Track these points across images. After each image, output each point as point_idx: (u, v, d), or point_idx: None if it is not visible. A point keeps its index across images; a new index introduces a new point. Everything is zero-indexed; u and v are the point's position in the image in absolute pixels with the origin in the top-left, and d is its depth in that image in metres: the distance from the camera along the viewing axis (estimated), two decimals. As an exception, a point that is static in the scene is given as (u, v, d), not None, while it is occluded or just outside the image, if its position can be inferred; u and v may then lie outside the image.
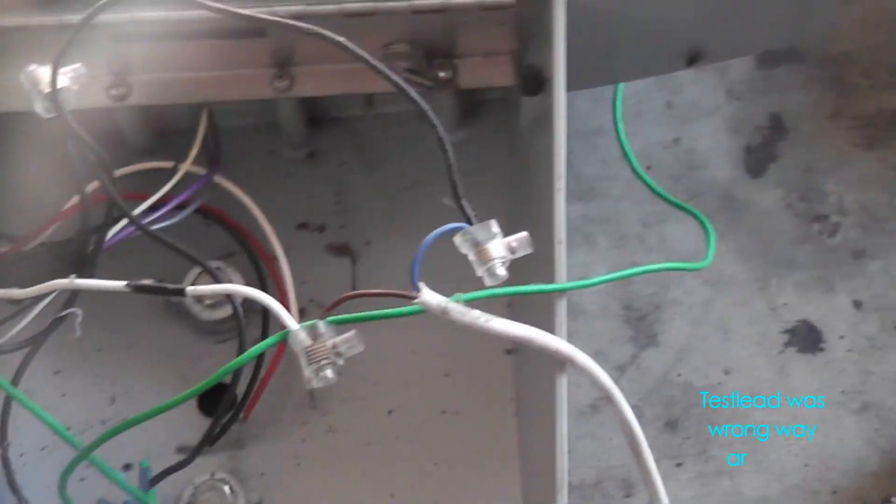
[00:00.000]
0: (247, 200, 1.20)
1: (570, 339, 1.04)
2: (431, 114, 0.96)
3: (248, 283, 1.19)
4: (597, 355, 1.36)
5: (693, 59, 1.22)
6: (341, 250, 1.30)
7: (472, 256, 0.96)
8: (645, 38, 1.17)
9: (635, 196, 1.41)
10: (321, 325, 0.95)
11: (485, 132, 1.31)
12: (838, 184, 1.44)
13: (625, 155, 1.30)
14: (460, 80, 1.15)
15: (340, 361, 0.95)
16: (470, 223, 0.97)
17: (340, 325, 0.97)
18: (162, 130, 1.25)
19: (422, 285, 0.95)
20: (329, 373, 0.95)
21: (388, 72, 0.96)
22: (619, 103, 1.31)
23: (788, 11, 1.16)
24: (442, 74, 1.15)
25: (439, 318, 0.96)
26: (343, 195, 1.31)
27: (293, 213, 1.30)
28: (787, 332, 1.40)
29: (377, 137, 1.32)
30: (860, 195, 1.44)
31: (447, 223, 0.96)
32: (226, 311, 1.22)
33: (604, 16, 1.10)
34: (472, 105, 1.31)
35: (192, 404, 1.24)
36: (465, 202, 0.97)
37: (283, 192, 1.30)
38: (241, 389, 1.19)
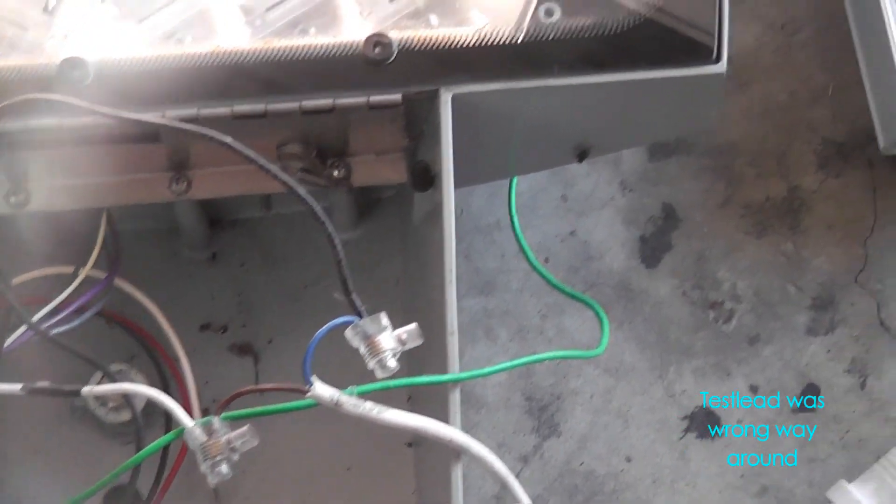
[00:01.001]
0: (148, 303, 1.21)
1: (473, 431, 1.05)
2: (318, 211, 0.98)
3: (151, 385, 1.20)
4: (500, 447, 1.39)
5: (583, 154, 1.24)
6: (244, 349, 1.31)
7: (363, 349, 0.98)
8: (534, 135, 1.19)
9: (534, 288, 1.43)
10: (216, 422, 0.96)
11: (381, 228, 1.33)
12: (731, 271, 1.47)
13: (521, 248, 1.32)
14: (354, 178, 1.17)
15: (235, 457, 0.97)
16: (361, 317, 0.98)
17: (237, 421, 0.98)
18: (62, 235, 1.26)
19: (314, 379, 0.96)
20: (224, 468, 0.96)
21: (275, 171, 0.98)
22: (513, 197, 1.33)
23: (673, 107, 1.18)
24: (335, 173, 1.17)
25: (334, 410, 0.97)
26: (245, 295, 1.32)
27: (196, 315, 1.31)
28: (685, 417, 1.42)
29: (277, 237, 1.34)
30: (752, 281, 1.46)
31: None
32: (129, 414, 1.22)
33: (491, 114, 1.12)
34: (368, 202, 1.33)
35: (99, 508, 1.24)
36: (355, 296, 0.99)
37: (186, 293, 1.31)
38: (146, 490, 1.19)
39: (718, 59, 1.10)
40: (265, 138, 1.12)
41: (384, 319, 0.98)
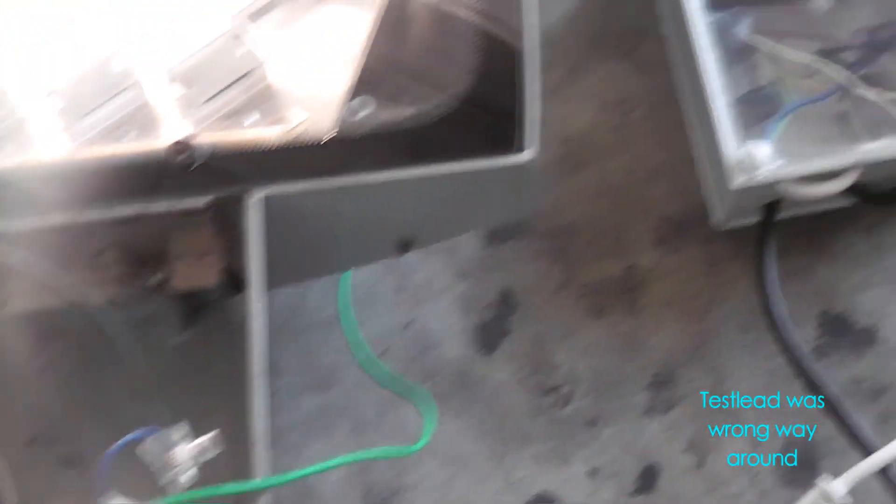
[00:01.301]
0: (-32, 422, 1.20)
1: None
2: (114, 324, 0.98)
3: (-23, 503, 1.19)
4: (338, 545, 1.38)
5: (406, 246, 1.25)
6: (73, 462, 1.29)
7: (158, 464, 0.97)
8: (354, 231, 1.20)
9: (372, 382, 1.42)
10: (10, 546, 0.95)
11: (212, 330, 1.32)
12: (569, 353, 1.46)
13: (353, 343, 1.32)
14: (173, 283, 1.16)
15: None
16: (157, 430, 0.98)
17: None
18: None
19: (112, 494, 0.96)
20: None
21: (60, 288, 0.97)
22: (343, 292, 1.33)
23: (490, 196, 1.19)
24: (153, 280, 1.16)
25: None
26: (74, 405, 1.31)
27: (22, 429, 1.29)
28: (524, 505, 1.42)
29: (105, 346, 1.32)
30: (591, 363, 1.46)
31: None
32: (-46, 534, 1.21)
33: (307, 213, 1.12)
34: (198, 304, 1.32)
35: None
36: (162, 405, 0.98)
37: (12, 407, 1.29)
38: None
39: (521, 150, 1.11)
40: (83, 247, 1.12)
41: (178, 432, 0.97)
